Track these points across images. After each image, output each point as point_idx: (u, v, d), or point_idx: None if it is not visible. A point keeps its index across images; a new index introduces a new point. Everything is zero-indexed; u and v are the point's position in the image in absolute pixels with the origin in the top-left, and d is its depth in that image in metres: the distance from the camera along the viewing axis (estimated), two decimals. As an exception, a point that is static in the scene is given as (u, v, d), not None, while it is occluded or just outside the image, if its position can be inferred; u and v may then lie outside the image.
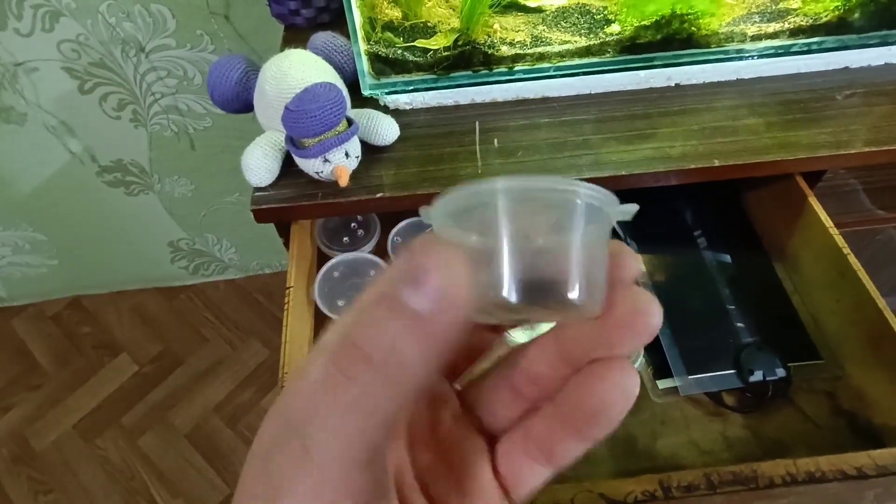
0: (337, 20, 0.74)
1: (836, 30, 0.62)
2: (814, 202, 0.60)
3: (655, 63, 0.63)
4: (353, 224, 0.72)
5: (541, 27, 0.61)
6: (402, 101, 0.64)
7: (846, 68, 0.65)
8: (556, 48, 0.61)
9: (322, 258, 0.66)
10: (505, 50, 0.61)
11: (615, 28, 0.61)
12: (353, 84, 0.62)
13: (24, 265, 1.35)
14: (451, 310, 0.14)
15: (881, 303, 0.53)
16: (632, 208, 0.18)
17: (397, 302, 0.14)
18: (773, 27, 0.61)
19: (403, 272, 0.14)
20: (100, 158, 1.12)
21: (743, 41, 0.62)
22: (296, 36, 0.72)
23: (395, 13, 0.60)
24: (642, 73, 0.64)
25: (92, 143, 1.09)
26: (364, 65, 0.60)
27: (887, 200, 0.68)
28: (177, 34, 0.92)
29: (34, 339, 1.39)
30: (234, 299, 1.44)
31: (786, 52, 0.63)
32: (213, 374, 1.32)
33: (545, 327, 0.19)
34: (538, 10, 0.61)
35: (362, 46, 0.59)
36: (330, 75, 0.58)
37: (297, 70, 0.56)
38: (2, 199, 1.18)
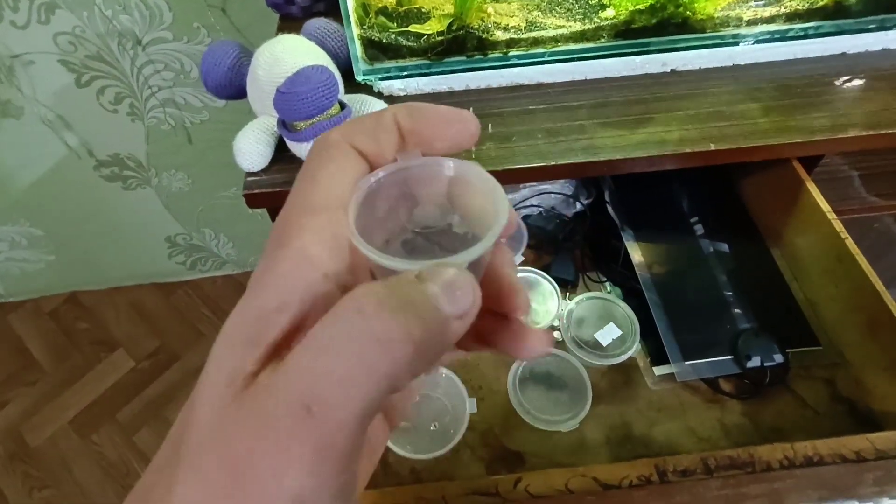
0: (332, 10, 0.73)
1: (833, 14, 0.61)
2: (811, 187, 0.59)
3: (650, 48, 0.63)
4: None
5: (535, 12, 0.61)
6: (396, 87, 0.63)
7: (843, 54, 0.64)
8: (551, 33, 0.61)
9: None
10: (499, 35, 0.60)
11: (610, 13, 0.60)
12: (347, 70, 0.61)
13: (21, 261, 1.35)
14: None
15: (880, 287, 0.52)
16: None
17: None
18: (769, 12, 0.61)
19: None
20: (97, 152, 1.11)
21: (739, 26, 0.62)
22: (291, 26, 0.72)
23: (388, -2, 0.60)
24: (637, 58, 0.63)
25: (89, 136, 1.08)
26: (357, 50, 0.60)
27: (885, 188, 0.68)
28: (173, 27, 0.92)
29: (31, 335, 1.39)
30: (231, 295, 1.43)
31: (782, 37, 0.63)
32: (210, 370, 1.32)
33: None
34: (533, -5, 0.61)
35: (356, 31, 0.59)
36: (323, 60, 0.58)
37: (290, 54, 0.55)
38: (-2, 194, 1.18)
